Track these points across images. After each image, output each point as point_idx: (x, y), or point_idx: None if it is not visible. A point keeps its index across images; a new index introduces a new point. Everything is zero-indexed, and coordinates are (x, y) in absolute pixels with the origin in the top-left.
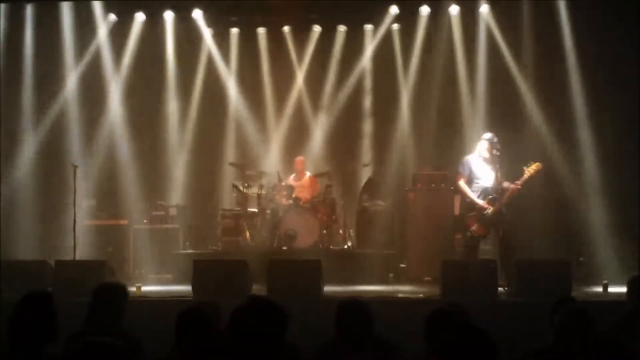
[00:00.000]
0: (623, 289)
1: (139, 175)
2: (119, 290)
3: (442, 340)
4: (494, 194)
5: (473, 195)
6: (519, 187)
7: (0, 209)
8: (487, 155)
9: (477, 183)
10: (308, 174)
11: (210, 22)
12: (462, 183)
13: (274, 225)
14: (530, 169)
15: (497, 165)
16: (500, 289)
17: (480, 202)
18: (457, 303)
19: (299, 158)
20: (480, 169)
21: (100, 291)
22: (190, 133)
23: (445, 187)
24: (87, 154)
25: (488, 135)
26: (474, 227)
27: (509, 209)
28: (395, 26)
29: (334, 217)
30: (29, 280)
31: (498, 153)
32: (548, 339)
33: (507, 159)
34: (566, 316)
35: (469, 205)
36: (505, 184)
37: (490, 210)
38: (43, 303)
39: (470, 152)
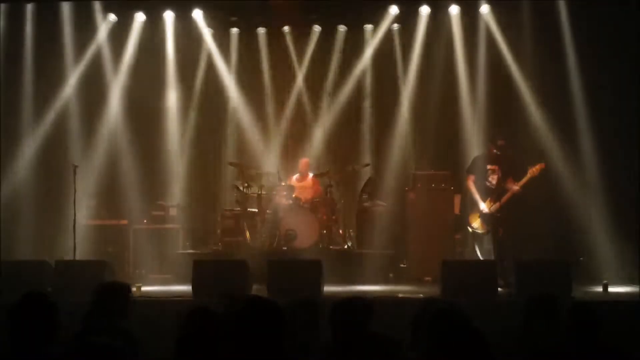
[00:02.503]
0: (623, 289)
1: (139, 175)
2: (122, 290)
3: (438, 339)
4: (496, 194)
5: (476, 195)
6: (519, 189)
7: (0, 209)
8: (491, 154)
9: (483, 182)
10: (311, 174)
11: (210, 22)
12: (469, 182)
13: (274, 225)
14: (534, 170)
15: (501, 165)
16: (500, 289)
17: (480, 200)
18: (453, 302)
19: (304, 159)
20: (486, 168)
21: (103, 290)
22: (190, 133)
23: (445, 187)
24: (87, 154)
25: (492, 135)
26: (474, 224)
27: (509, 209)
28: (395, 26)
29: (334, 217)
30: (29, 280)
31: (499, 153)
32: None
33: (512, 158)
34: (572, 315)
35: (472, 202)
36: (509, 184)
37: (488, 208)
38: (42, 303)
39: (479, 150)
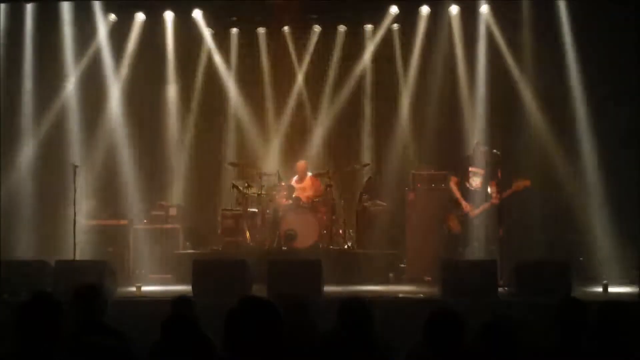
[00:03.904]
0: (623, 289)
1: (139, 175)
2: (96, 291)
3: (443, 340)
4: (476, 198)
5: (459, 197)
6: (497, 201)
7: (0, 209)
8: (477, 157)
9: (465, 185)
10: (309, 174)
11: (210, 22)
12: (452, 184)
13: (274, 225)
14: (518, 185)
15: (486, 170)
16: (500, 289)
17: (462, 202)
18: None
19: (301, 162)
20: (471, 172)
21: (79, 294)
22: (190, 133)
23: (445, 187)
24: (87, 154)
25: (478, 141)
26: (451, 224)
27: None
28: (395, 26)
29: (334, 217)
30: (29, 280)
31: (485, 157)
32: (550, 339)
33: (498, 166)
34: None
35: (454, 203)
36: (492, 188)
37: (469, 212)
38: (49, 303)
39: (468, 153)
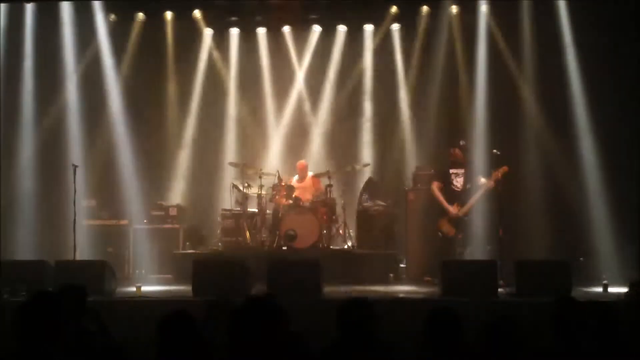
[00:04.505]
0: (623, 289)
1: (139, 175)
2: (78, 291)
3: (442, 340)
4: (462, 197)
5: (443, 201)
6: (493, 184)
7: (0, 209)
8: (454, 159)
9: (450, 187)
10: (310, 173)
11: (210, 22)
12: (435, 189)
13: (274, 225)
14: (497, 173)
15: (466, 167)
16: (500, 289)
17: (448, 205)
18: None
19: (301, 162)
20: (453, 174)
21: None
22: (190, 133)
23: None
24: (87, 154)
25: (453, 139)
26: (444, 229)
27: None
28: (395, 26)
29: (334, 217)
30: (29, 280)
31: (463, 155)
32: (550, 339)
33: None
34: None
35: (441, 208)
36: (481, 181)
37: (457, 212)
38: (52, 303)
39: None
